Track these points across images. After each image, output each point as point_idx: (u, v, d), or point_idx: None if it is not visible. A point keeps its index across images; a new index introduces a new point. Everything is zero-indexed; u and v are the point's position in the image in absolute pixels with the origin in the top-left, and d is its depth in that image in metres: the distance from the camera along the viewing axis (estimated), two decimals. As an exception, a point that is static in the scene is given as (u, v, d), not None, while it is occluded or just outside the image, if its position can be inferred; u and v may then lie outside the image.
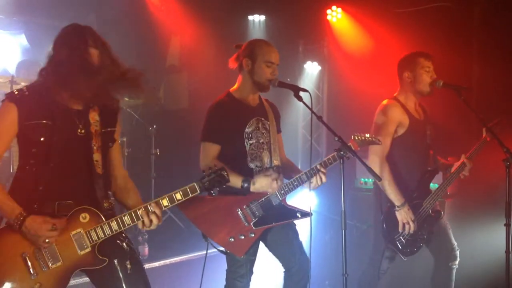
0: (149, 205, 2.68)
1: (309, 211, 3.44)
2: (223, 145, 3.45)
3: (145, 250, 5.09)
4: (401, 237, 3.87)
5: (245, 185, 3.33)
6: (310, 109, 3.29)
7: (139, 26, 6.66)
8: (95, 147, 2.73)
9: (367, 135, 3.52)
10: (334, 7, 7.42)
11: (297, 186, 3.42)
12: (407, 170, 3.94)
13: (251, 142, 3.49)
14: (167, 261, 4.94)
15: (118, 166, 2.94)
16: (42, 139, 2.63)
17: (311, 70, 8.02)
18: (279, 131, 3.73)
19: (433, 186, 4.14)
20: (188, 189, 2.71)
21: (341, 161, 3.13)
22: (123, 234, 2.82)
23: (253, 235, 3.36)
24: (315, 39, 7.89)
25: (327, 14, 7.44)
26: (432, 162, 4.11)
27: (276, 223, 3.45)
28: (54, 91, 2.65)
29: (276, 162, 3.55)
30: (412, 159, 3.96)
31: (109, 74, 2.67)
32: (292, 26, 7.40)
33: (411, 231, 3.82)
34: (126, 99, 6.29)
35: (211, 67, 6.48)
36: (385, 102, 4.00)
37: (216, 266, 3.79)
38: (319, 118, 3.28)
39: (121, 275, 2.69)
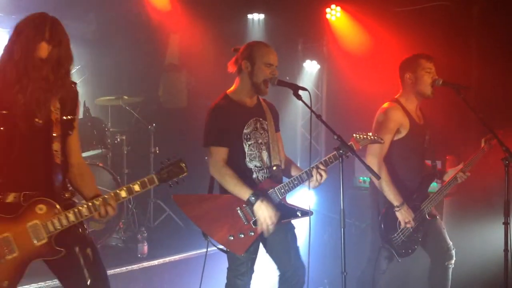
0: (107, 196, 2.68)
1: (309, 209, 3.44)
2: (229, 146, 3.45)
3: (144, 248, 5.09)
4: (397, 238, 3.89)
5: (251, 200, 3.31)
6: (310, 107, 3.29)
7: (138, 25, 6.65)
8: (55, 135, 2.69)
9: (370, 134, 3.52)
10: (333, 6, 7.42)
11: (297, 185, 3.43)
12: (404, 173, 3.95)
13: (249, 143, 3.49)
14: (166, 260, 4.95)
15: (75, 153, 2.89)
16: (1, 128, 2.60)
17: (310, 68, 8.02)
18: (277, 130, 3.73)
19: (433, 185, 4.16)
20: (146, 180, 2.72)
21: (340, 160, 3.13)
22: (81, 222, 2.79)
23: (252, 233, 3.37)
24: (314, 38, 7.89)
25: (326, 13, 7.44)
26: (430, 167, 4.14)
27: (278, 223, 3.43)
28: (10, 82, 2.61)
29: (276, 162, 3.55)
30: (410, 162, 3.97)
31: (50, 71, 2.64)
32: (291, 24, 7.41)
33: (411, 228, 3.85)
34: (125, 96, 6.32)
35: (210, 66, 6.48)
36: (386, 104, 4.00)
37: (216, 265, 3.80)
38: (318, 117, 3.29)
39: (82, 262, 2.68)
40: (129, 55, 6.75)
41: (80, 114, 5.73)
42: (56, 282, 4.12)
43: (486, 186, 5.18)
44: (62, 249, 2.62)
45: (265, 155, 3.54)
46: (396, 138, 3.92)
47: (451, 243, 4.09)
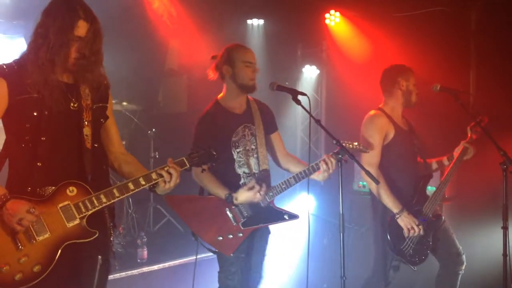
0: (138, 179, 2.67)
1: (296, 213, 3.54)
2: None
3: (144, 253, 5.09)
4: (407, 248, 3.86)
5: (228, 199, 3.40)
6: (309, 112, 3.31)
7: (138, 30, 6.67)
8: (85, 121, 2.69)
9: (355, 143, 3.56)
10: (332, 11, 7.45)
11: (285, 189, 3.49)
12: (398, 179, 3.95)
13: (238, 150, 3.55)
14: (166, 264, 4.95)
15: (115, 142, 2.92)
16: (35, 113, 2.58)
17: (310, 73, 8.05)
18: (274, 130, 3.78)
19: (431, 188, 4.15)
20: (178, 163, 2.73)
21: (339, 165, 3.15)
22: (111, 224, 2.80)
23: (241, 234, 3.42)
24: (313, 43, 7.91)
25: (325, 18, 7.46)
26: (424, 169, 4.13)
27: (264, 224, 3.55)
28: (44, 64, 2.59)
29: (264, 167, 3.61)
30: (401, 167, 3.97)
31: (88, 49, 2.65)
32: (290, 30, 7.43)
33: (417, 234, 3.81)
34: (125, 102, 6.33)
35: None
36: (371, 112, 4.04)
37: (214, 269, 3.80)
38: (318, 121, 3.31)
39: (98, 270, 2.67)
40: (128, 60, 6.75)
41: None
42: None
43: (485, 191, 5.19)
44: (95, 230, 2.59)
45: (253, 161, 3.59)
46: (383, 144, 3.93)
47: (460, 247, 4.05)
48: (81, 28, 2.63)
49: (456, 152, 4.08)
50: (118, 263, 4.91)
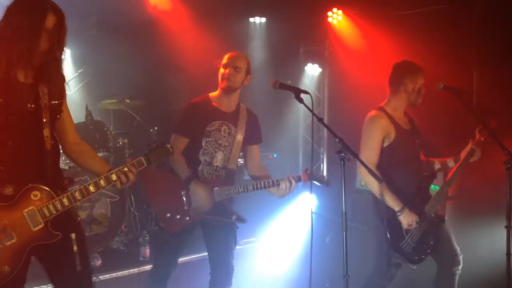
0: (98, 181, 2.74)
1: (244, 218, 3.71)
2: (190, 139, 3.72)
3: (146, 251, 5.09)
4: (406, 245, 3.85)
5: (186, 182, 3.60)
6: (311, 111, 3.30)
7: (140, 28, 6.66)
8: (44, 121, 2.71)
9: (322, 174, 3.93)
10: (335, 9, 7.44)
11: (242, 192, 3.69)
12: (400, 178, 3.93)
13: (208, 139, 3.74)
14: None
15: (70, 132, 2.94)
16: None
17: (312, 72, 8.04)
18: (256, 142, 3.97)
19: (434, 187, 4.13)
20: (135, 163, 2.82)
21: (342, 163, 3.14)
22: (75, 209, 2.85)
23: (187, 218, 3.60)
24: (316, 41, 7.90)
25: (328, 16, 7.45)
26: (427, 169, 4.11)
27: (212, 217, 3.66)
28: (4, 68, 2.60)
29: (231, 166, 3.81)
30: (403, 167, 3.95)
31: (56, 42, 2.67)
32: (293, 28, 7.42)
33: (416, 229, 3.81)
34: (127, 100, 6.33)
35: (212, 69, 6.48)
36: (372, 113, 4.02)
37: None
38: (320, 120, 3.30)
39: (76, 249, 2.74)
40: (131, 58, 6.75)
41: (82, 118, 5.74)
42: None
43: (488, 190, 5.17)
44: (58, 233, 2.68)
45: (220, 155, 3.76)
46: (384, 145, 3.92)
47: (458, 248, 4.04)
48: (50, 20, 2.64)
49: (463, 153, 4.06)
50: (120, 261, 4.91)
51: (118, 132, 6.29)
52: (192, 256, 5.01)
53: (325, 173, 7.89)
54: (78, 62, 6.74)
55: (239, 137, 3.82)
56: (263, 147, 6.84)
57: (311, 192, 3.46)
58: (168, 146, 2.90)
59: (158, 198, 3.66)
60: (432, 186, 4.09)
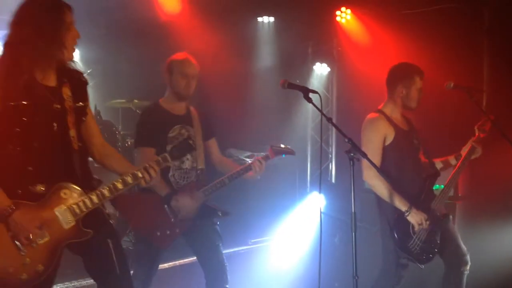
0: (125, 178, 2.81)
1: (228, 211, 3.78)
2: (156, 147, 3.71)
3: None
4: (414, 245, 3.83)
5: (166, 199, 3.60)
6: (320, 110, 3.28)
7: (148, 29, 6.67)
8: (70, 123, 2.76)
9: (282, 145, 4.00)
10: (343, 9, 7.41)
11: (220, 188, 3.74)
12: (401, 179, 3.91)
13: (171, 145, 3.74)
14: (177, 263, 4.97)
15: (96, 135, 3.01)
16: (24, 119, 2.63)
17: (320, 71, 8.02)
18: (210, 136, 4.03)
19: (438, 187, 4.11)
20: (160, 159, 2.92)
21: (351, 163, 3.12)
22: (107, 212, 2.91)
23: (178, 230, 3.63)
24: (324, 41, 7.89)
25: (336, 16, 7.43)
26: (429, 168, 4.09)
27: (200, 220, 3.71)
28: (27, 69, 2.64)
29: (200, 166, 3.84)
30: (403, 168, 3.93)
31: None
32: (301, 27, 7.40)
33: (426, 228, 3.80)
34: (136, 99, 6.35)
35: (221, 68, 6.49)
36: (370, 115, 4.01)
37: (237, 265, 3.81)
38: (329, 119, 3.28)
39: (113, 252, 2.80)
40: (139, 59, 6.77)
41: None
42: (81, 282, 4.29)
43: (498, 189, 5.13)
44: (89, 230, 2.72)
45: (187, 158, 3.78)
46: (385, 145, 3.91)
47: (465, 248, 4.03)
48: (69, 16, 2.71)
49: (464, 151, 4.04)
50: (129, 261, 4.92)
51: (127, 132, 6.30)
52: (187, 260, 5.01)
53: (333, 173, 7.87)
54: (88, 63, 6.77)
55: (198, 136, 3.89)
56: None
57: (320, 192, 3.45)
58: (190, 141, 3.00)
59: (141, 221, 3.66)
60: (437, 186, 4.07)
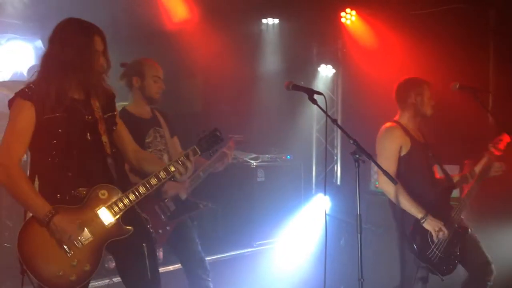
0: (158, 173, 2.95)
1: (208, 202, 4.06)
2: None
3: (159, 253, 5.09)
4: (434, 255, 3.78)
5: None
6: (325, 112, 3.28)
7: (152, 31, 6.68)
8: (101, 130, 2.93)
9: (241, 135, 4.25)
10: (348, 10, 7.39)
11: (197, 180, 3.96)
12: (418, 187, 3.88)
13: (150, 150, 3.87)
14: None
15: (129, 142, 3.18)
16: (60, 130, 2.81)
17: (325, 72, 8.00)
18: (173, 134, 4.15)
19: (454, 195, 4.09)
20: (190, 152, 3.03)
21: (357, 165, 3.11)
22: (144, 216, 3.07)
23: (168, 228, 3.80)
24: (329, 42, 7.86)
25: (341, 17, 7.41)
26: (446, 180, 4.07)
27: (187, 214, 3.92)
28: (60, 84, 2.82)
29: None
30: (419, 178, 3.92)
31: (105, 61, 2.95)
32: (306, 28, 7.38)
33: (446, 237, 3.76)
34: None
35: (225, 71, 6.48)
36: (387, 124, 4.01)
37: (229, 270, 3.79)
38: (334, 121, 3.27)
39: (146, 256, 2.91)
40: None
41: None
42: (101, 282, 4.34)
43: (509, 192, 5.10)
44: (130, 227, 2.88)
45: (165, 157, 3.93)
46: (401, 154, 3.89)
47: (489, 256, 3.96)
48: (98, 43, 2.87)
49: (478, 168, 4.03)
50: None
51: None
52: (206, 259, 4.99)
53: (339, 175, 7.85)
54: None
55: (168, 135, 4.03)
56: (277, 148, 6.86)
57: (325, 194, 3.43)
58: (218, 133, 3.06)
59: None
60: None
